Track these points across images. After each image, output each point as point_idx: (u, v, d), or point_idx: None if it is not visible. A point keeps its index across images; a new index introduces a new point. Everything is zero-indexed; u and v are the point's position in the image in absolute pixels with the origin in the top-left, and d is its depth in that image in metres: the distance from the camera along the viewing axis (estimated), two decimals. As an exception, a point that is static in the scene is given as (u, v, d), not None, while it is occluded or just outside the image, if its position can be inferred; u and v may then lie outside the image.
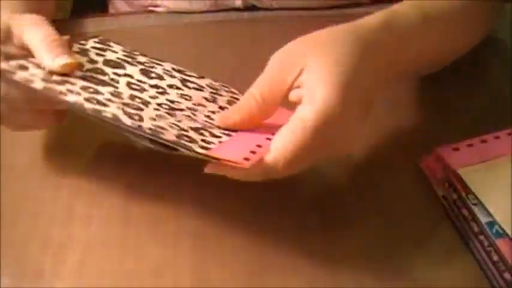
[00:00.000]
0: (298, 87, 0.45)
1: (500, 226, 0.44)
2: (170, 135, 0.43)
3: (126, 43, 0.70)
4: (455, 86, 0.59)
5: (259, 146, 0.44)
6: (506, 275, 0.43)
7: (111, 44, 0.56)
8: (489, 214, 0.45)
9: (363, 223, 0.49)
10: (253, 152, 0.43)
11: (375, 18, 0.49)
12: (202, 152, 0.42)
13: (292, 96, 0.45)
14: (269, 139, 0.45)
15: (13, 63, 0.46)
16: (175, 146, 0.43)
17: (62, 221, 0.49)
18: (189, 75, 0.55)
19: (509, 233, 0.44)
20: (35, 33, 0.48)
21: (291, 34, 0.72)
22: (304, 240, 0.48)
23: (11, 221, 0.49)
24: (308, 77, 0.44)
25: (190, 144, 0.43)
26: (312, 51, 0.46)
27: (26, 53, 0.49)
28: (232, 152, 0.43)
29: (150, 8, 0.75)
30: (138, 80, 0.51)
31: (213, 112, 0.50)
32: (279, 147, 0.43)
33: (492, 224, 0.45)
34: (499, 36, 0.67)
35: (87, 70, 0.49)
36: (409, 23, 0.51)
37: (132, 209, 0.50)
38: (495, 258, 0.45)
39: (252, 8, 0.75)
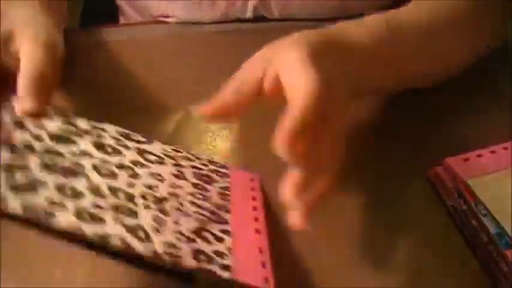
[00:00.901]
0: (274, 77, 0.46)
1: (509, 237, 0.44)
2: (189, 259, 0.38)
3: (136, 53, 0.71)
4: (466, 95, 0.59)
5: (260, 250, 0.43)
6: (516, 285, 0.43)
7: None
8: (498, 225, 0.45)
9: (372, 233, 0.49)
10: (264, 263, 0.41)
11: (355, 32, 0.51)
12: (229, 278, 0.38)
13: (267, 84, 0.47)
14: (259, 231, 0.44)
15: None
16: (195, 273, 0.38)
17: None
18: (140, 142, 0.48)
19: (519, 244, 0.44)
20: (28, 64, 0.47)
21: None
22: (310, 248, 0.48)
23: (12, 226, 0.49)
24: (283, 65, 0.46)
25: (213, 268, 0.38)
26: (282, 45, 0.48)
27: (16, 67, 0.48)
28: (250, 270, 0.40)
29: (160, 19, 0.76)
30: (102, 160, 0.43)
31: (192, 194, 0.45)
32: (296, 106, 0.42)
33: (501, 234, 0.45)
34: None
35: (42, 152, 0.40)
36: (379, 42, 0.52)
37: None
38: (504, 269, 0.45)
39: (262, 18, 0.75)
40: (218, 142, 0.59)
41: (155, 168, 0.46)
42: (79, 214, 0.36)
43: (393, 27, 0.54)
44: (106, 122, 0.49)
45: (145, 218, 0.39)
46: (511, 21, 0.66)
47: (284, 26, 0.75)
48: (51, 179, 0.38)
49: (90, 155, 0.43)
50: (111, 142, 0.46)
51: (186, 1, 0.73)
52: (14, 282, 0.45)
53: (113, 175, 0.42)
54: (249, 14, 0.75)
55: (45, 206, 0.35)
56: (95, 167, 0.42)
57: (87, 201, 0.38)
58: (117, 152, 0.45)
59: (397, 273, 0.47)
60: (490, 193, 0.47)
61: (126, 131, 0.48)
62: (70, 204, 0.37)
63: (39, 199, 0.36)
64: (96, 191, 0.39)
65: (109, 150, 0.45)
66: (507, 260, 0.44)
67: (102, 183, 0.40)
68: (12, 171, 0.37)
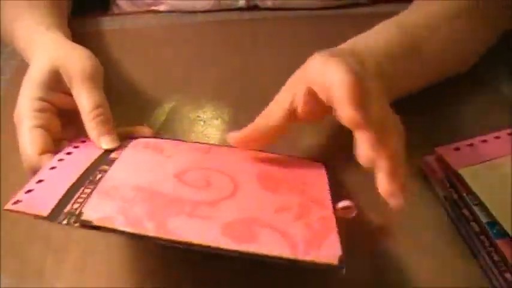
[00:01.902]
0: (305, 92, 0.46)
1: (500, 226, 0.44)
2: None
3: (127, 43, 0.71)
4: (456, 85, 0.59)
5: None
6: (507, 275, 0.43)
7: None
8: (490, 214, 0.45)
9: (363, 223, 0.49)
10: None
11: (375, 43, 0.52)
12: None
13: (300, 103, 0.47)
14: None
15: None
16: None
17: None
18: None
19: (510, 233, 0.43)
20: (85, 99, 0.49)
21: (292, 34, 0.73)
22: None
23: (11, 221, 0.49)
24: (313, 75, 0.46)
25: None
26: (305, 65, 0.48)
27: (71, 104, 0.50)
28: None
29: (152, 8, 0.76)
30: None
31: None
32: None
33: (493, 224, 0.45)
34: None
35: None
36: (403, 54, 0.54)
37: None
38: (496, 258, 0.44)
39: (254, 7, 0.75)
40: (209, 131, 0.59)
41: None
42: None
43: (402, 26, 0.55)
44: None
45: None
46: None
47: (276, 16, 0.75)
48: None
49: None
50: None
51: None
52: (8, 272, 0.45)
53: None
54: (241, 3, 0.74)
55: None
56: None
57: None
58: None
59: (388, 263, 0.47)
60: (481, 182, 0.47)
61: None
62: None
63: None
64: None
65: None
66: (498, 250, 0.44)
67: None
68: None
